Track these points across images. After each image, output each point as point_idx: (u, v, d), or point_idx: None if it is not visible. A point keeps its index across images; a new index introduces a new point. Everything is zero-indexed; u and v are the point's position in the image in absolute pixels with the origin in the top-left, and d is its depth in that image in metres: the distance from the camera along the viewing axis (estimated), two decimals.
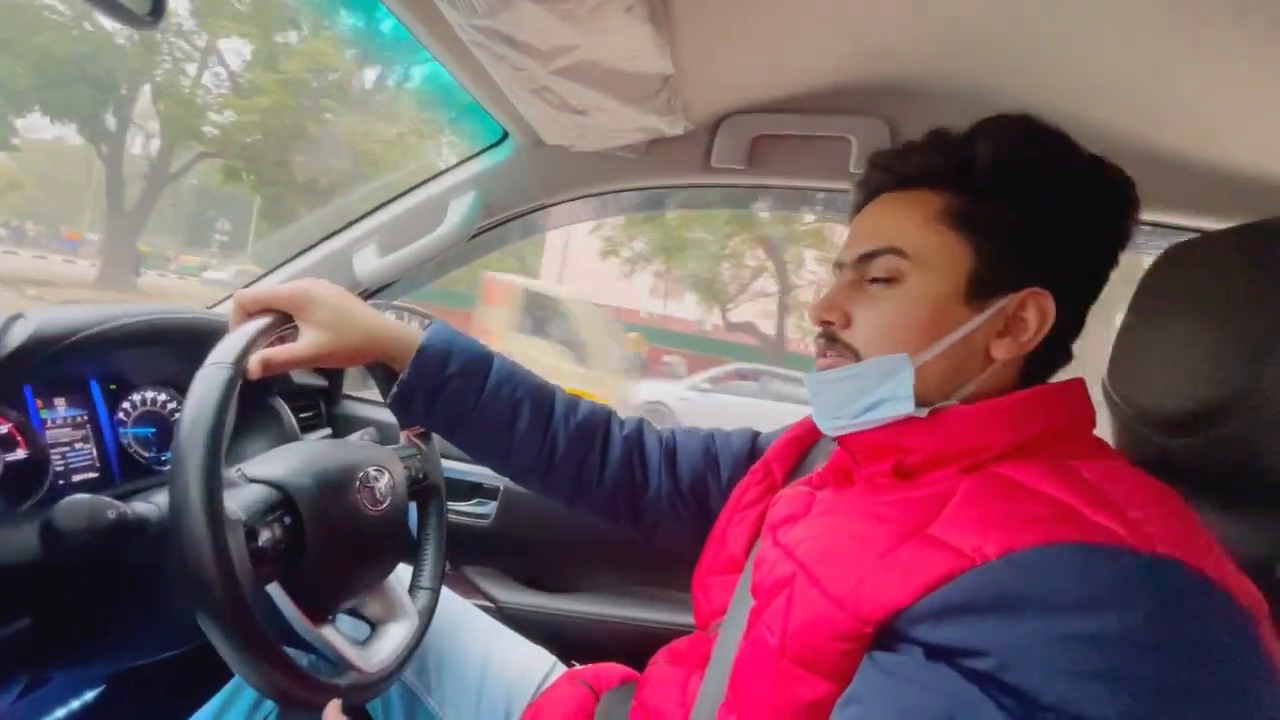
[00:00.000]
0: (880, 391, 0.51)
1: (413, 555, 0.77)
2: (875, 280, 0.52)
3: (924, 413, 0.50)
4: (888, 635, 0.42)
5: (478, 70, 0.73)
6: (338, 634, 0.60)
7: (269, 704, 0.76)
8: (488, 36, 0.60)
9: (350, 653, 0.60)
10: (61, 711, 0.80)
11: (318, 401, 1.13)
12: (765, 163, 0.93)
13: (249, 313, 0.61)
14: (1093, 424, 0.51)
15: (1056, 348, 0.52)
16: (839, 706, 0.42)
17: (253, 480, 0.60)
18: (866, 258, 0.53)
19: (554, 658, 0.84)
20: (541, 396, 0.73)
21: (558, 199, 1.02)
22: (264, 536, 0.55)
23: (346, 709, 0.56)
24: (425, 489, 0.79)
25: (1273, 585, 0.44)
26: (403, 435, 0.80)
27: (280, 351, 0.61)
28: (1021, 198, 0.49)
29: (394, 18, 0.69)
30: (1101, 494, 0.41)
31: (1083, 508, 0.40)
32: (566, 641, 0.96)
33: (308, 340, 0.62)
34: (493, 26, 0.58)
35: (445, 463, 0.87)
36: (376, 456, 0.69)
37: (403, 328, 0.68)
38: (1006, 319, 0.50)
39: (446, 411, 0.68)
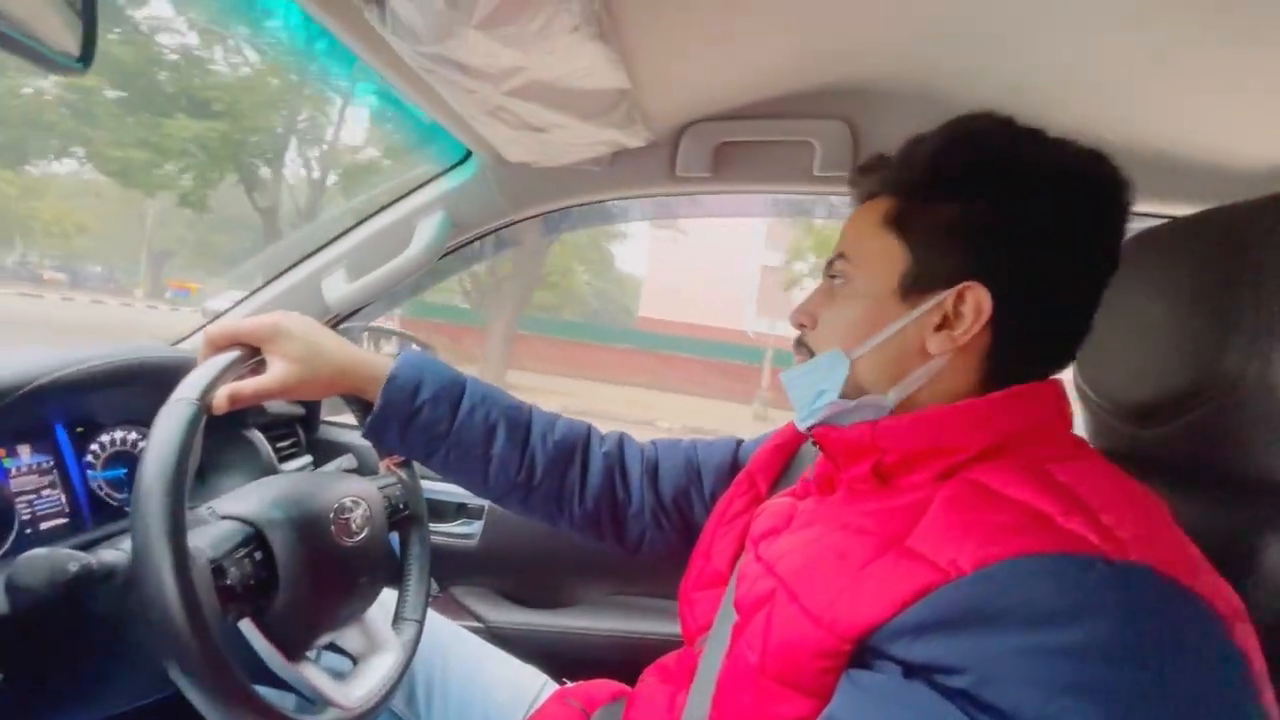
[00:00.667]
0: (822, 384, 0.54)
1: (395, 584, 0.77)
2: (837, 284, 0.55)
3: (851, 404, 0.53)
4: (865, 652, 0.42)
5: (433, 94, 0.73)
6: (317, 670, 0.60)
7: None
8: (436, 63, 0.60)
9: (330, 689, 0.59)
10: None
11: (296, 430, 1.12)
12: (730, 170, 0.94)
13: (218, 347, 0.61)
14: (1069, 423, 0.50)
15: (1021, 346, 0.50)
16: None
17: (223, 517, 0.59)
18: (829, 264, 0.56)
19: (545, 676, 0.83)
20: (517, 417, 0.72)
21: (525, 214, 1.02)
22: (233, 574, 0.54)
23: None
24: (406, 519, 0.78)
25: (1245, 572, 0.44)
26: (382, 464, 0.79)
27: (248, 384, 0.60)
28: (957, 194, 0.49)
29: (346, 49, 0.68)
30: (1075, 498, 0.41)
31: (1056, 514, 0.39)
32: (558, 658, 0.96)
33: (276, 373, 0.61)
34: (439, 53, 0.57)
35: (428, 485, 0.87)
36: (353, 488, 0.69)
37: (373, 357, 0.68)
38: (945, 314, 0.50)
39: (421, 438, 0.68)
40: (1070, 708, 0.34)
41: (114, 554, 0.58)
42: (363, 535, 0.66)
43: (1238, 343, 0.48)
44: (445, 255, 1.05)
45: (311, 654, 0.62)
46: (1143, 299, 0.57)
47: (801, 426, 0.57)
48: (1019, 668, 0.35)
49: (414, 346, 1.30)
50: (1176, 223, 0.57)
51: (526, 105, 0.71)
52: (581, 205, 1.03)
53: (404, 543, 0.79)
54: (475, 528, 1.14)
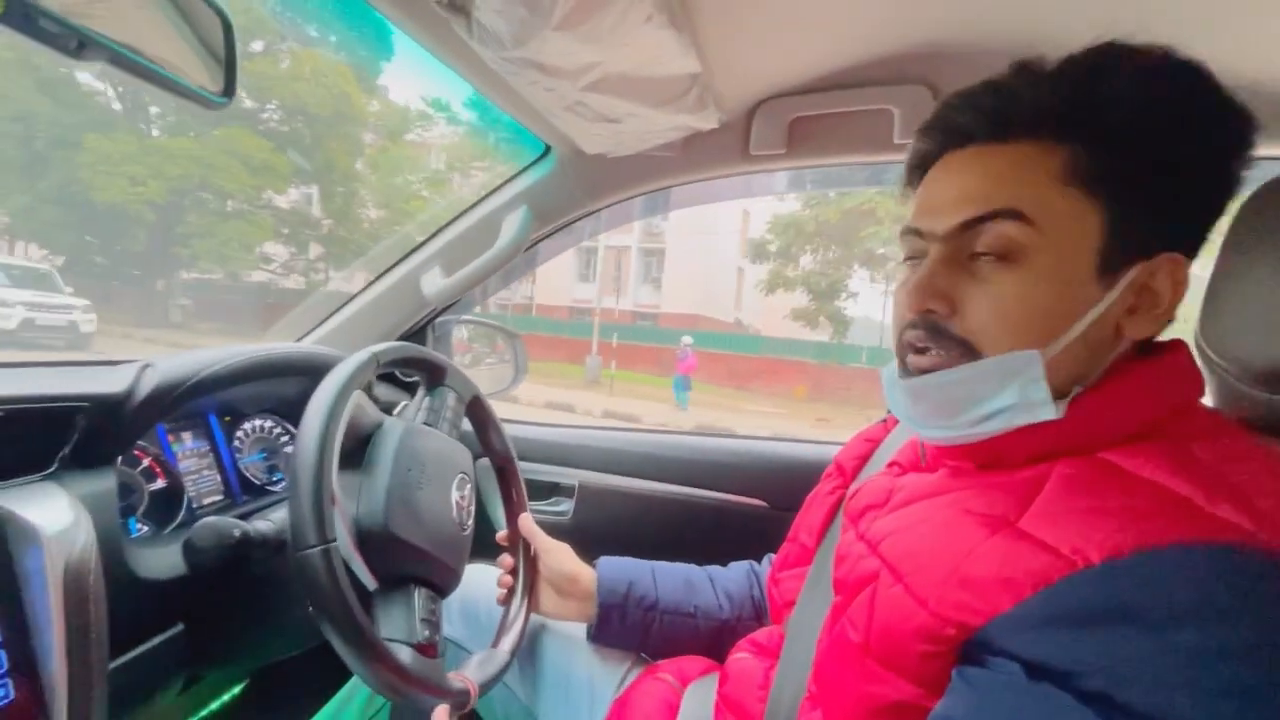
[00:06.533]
0: (1005, 396, 0.43)
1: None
2: (982, 255, 0.44)
3: (1063, 410, 0.43)
4: (977, 645, 0.38)
5: (514, 95, 0.77)
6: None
7: (382, 699, 0.84)
8: (517, 65, 0.63)
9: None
10: (215, 704, 0.91)
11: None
12: (805, 144, 0.92)
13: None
14: (1202, 391, 0.45)
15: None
16: None
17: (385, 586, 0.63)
18: (970, 225, 0.44)
19: (635, 651, 0.87)
20: (696, 571, 0.85)
21: (603, 203, 1.05)
22: (424, 633, 0.62)
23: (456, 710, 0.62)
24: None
25: None
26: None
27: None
28: (1160, 147, 0.41)
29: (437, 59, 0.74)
30: (1221, 479, 0.36)
31: (1199, 499, 0.35)
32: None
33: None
34: (521, 56, 0.61)
35: (522, 464, 0.93)
36: (458, 461, 0.75)
37: (583, 569, 0.83)
38: (1136, 292, 0.43)
39: (638, 614, 0.79)
40: (1228, 713, 0.30)
41: (265, 524, 0.67)
42: (465, 531, 0.74)
43: None
44: (530, 247, 1.10)
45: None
46: (1272, 252, 0.52)
47: (939, 441, 0.50)
48: (1167, 668, 0.32)
49: (493, 333, 1.36)
50: None
51: (602, 98, 0.73)
52: (656, 190, 1.04)
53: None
54: (568, 506, 1.20)
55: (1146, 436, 0.41)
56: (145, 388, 0.66)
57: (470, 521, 0.74)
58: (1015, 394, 0.43)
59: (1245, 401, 0.54)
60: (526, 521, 0.85)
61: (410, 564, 0.64)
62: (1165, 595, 0.33)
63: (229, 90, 0.49)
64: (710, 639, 0.80)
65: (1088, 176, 0.42)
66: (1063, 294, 0.42)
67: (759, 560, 0.89)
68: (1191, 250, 0.44)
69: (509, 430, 0.89)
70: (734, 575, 0.86)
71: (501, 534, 0.88)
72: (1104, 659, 0.33)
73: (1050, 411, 0.42)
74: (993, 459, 0.47)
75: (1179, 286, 0.43)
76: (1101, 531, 0.36)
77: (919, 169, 0.51)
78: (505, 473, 0.89)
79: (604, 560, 0.83)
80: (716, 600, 0.81)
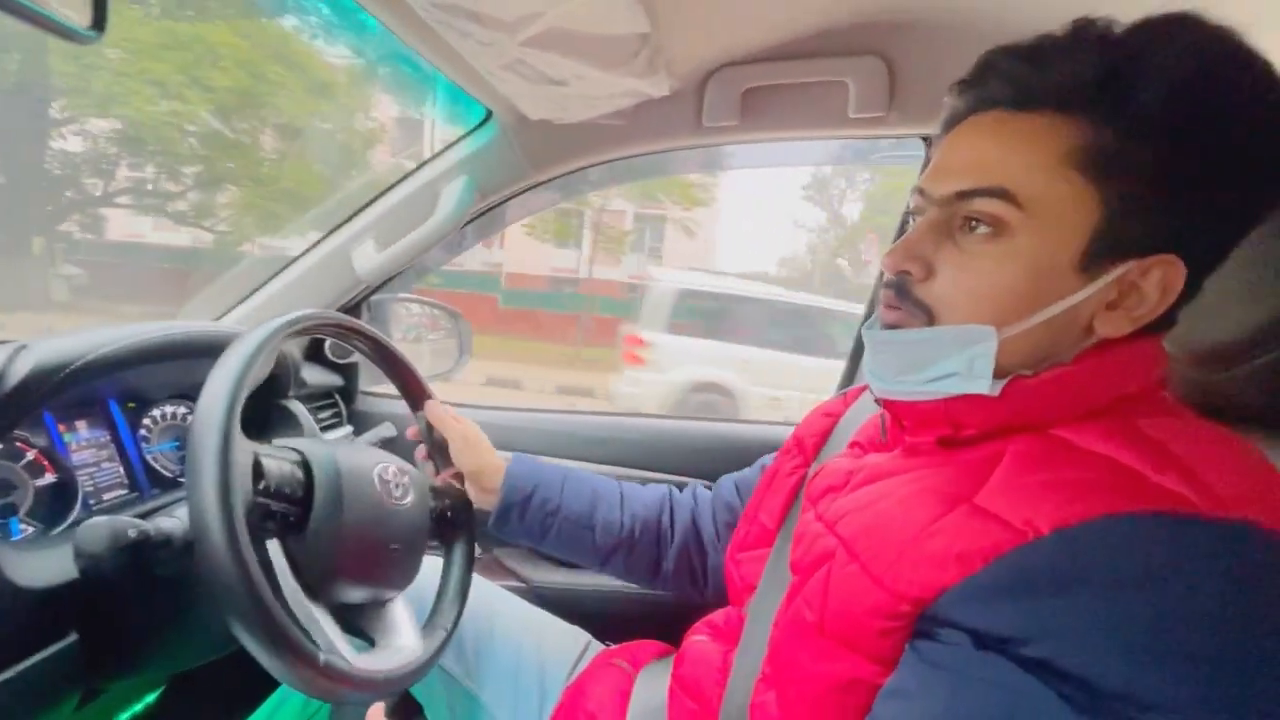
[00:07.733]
0: (952, 363, 0.44)
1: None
2: (970, 226, 0.43)
3: (998, 389, 0.43)
4: (930, 619, 0.39)
5: (449, 51, 0.71)
6: (331, 622, 0.57)
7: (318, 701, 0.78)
8: (449, 14, 0.58)
9: (339, 640, 0.56)
10: (124, 716, 0.84)
11: (336, 400, 1.14)
12: (759, 116, 0.90)
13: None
14: (1165, 381, 0.45)
15: (1171, 314, 0.43)
16: (882, 698, 0.40)
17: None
18: (963, 196, 0.43)
19: (589, 636, 0.85)
20: (609, 486, 0.82)
21: (549, 175, 1.00)
22: (273, 471, 0.56)
23: (390, 704, 0.57)
24: (453, 530, 0.77)
25: None
26: (433, 472, 0.81)
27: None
28: (1185, 138, 0.38)
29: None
30: (1167, 453, 0.37)
31: (1146, 470, 0.36)
32: (598, 618, 0.97)
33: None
34: (452, 3, 0.55)
35: None
36: (403, 465, 0.68)
37: (493, 460, 0.79)
38: (1121, 288, 0.41)
39: (537, 515, 0.78)
40: (1168, 677, 0.31)
41: (170, 521, 0.60)
42: (403, 503, 0.66)
43: None
44: (471, 220, 1.04)
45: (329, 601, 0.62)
46: None
47: (886, 394, 0.50)
48: (1108, 634, 0.32)
49: (435, 312, 1.30)
50: None
51: (544, 56, 0.68)
52: (605, 162, 1.00)
53: (447, 553, 0.77)
54: None
55: (1100, 415, 0.42)
56: (19, 372, 0.58)
57: (408, 497, 0.67)
58: (963, 363, 0.43)
59: (1184, 381, 0.55)
60: (434, 407, 0.78)
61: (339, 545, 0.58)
62: (1108, 562, 0.33)
63: (99, 23, 0.42)
64: (607, 552, 0.80)
65: (1096, 162, 0.39)
66: (1035, 279, 0.41)
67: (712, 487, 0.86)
68: (1201, 250, 0.40)
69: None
70: (646, 498, 0.83)
71: (412, 429, 0.83)
72: (1047, 626, 0.34)
73: (984, 387, 0.43)
74: (946, 429, 0.47)
75: (1168, 292, 0.40)
76: (1051, 503, 0.36)
77: (949, 125, 0.48)
78: (388, 358, 0.78)
79: (517, 457, 0.80)
80: (620, 519, 0.80)
